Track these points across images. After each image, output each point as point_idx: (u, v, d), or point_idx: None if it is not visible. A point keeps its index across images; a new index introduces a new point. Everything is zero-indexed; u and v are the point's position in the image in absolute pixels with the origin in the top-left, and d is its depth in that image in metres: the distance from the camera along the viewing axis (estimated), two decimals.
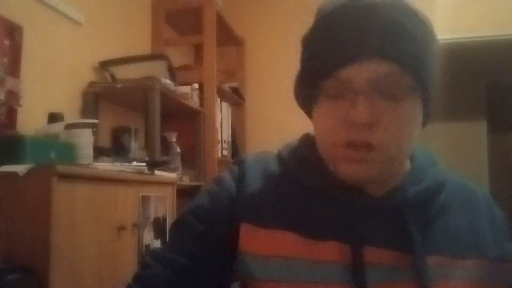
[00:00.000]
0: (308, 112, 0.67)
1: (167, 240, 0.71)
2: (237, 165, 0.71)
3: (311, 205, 0.63)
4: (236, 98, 3.02)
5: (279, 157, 0.71)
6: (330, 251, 0.59)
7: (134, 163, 1.61)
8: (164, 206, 1.70)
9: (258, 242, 0.62)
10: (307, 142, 0.70)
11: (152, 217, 1.60)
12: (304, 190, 0.64)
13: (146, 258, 0.67)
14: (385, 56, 0.55)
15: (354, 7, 0.57)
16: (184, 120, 2.44)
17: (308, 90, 0.62)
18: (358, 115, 0.54)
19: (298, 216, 0.62)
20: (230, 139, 2.85)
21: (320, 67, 0.58)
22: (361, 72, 0.55)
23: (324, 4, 0.62)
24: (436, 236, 0.62)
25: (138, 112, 2.34)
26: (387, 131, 0.56)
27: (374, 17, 0.55)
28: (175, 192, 1.80)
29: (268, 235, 0.62)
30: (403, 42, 0.56)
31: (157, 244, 1.61)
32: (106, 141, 2.07)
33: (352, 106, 0.55)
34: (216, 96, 2.57)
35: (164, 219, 1.69)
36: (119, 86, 1.97)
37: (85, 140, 1.47)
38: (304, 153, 0.68)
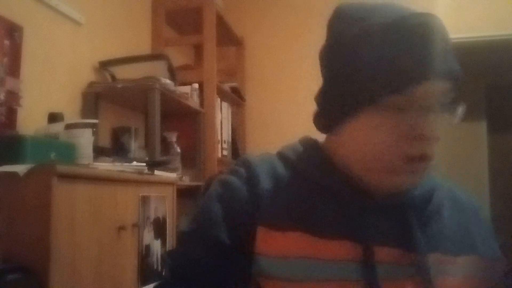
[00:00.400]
0: (333, 124, 0.65)
1: (180, 249, 0.69)
2: (243, 167, 0.70)
3: (320, 205, 0.64)
4: (236, 98, 3.02)
5: (284, 158, 0.71)
6: (342, 250, 0.61)
7: (134, 163, 1.61)
8: (164, 206, 1.70)
9: (274, 245, 0.62)
10: (312, 144, 0.72)
11: (152, 217, 1.60)
12: (313, 190, 0.65)
13: (165, 271, 0.68)
14: (450, 75, 0.59)
15: (419, 24, 0.58)
16: (184, 120, 2.44)
17: (354, 103, 0.60)
18: (429, 130, 0.58)
19: (309, 216, 0.63)
20: (230, 139, 2.85)
21: (387, 82, 0.57)
22: (432, 89, 0.58)
23: (367, 14, 0.61)
24: (433, 236, 0.65)
25: (138, 112, 2.34)
26: (437, 141, 0.60)
27: (437, 36, 0.58)
28: (175, 192, 1.80)
29: (283, 237, 0.62)
30: (455, 60, 0.61)
31: (157, 244, 1.61)
32: (106, 141, 2.07)
33: (417, 121, 0.58)
34: (216, 96, 2.57)
35: (164, 219, 1.69)
36: (119, 86, 1.97)
37: (85, 140, 1.47)
38: (313, 155, 0.69)
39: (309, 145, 0.72)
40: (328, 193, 0.64)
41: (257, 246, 0.63)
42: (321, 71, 0.68)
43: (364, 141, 0.61)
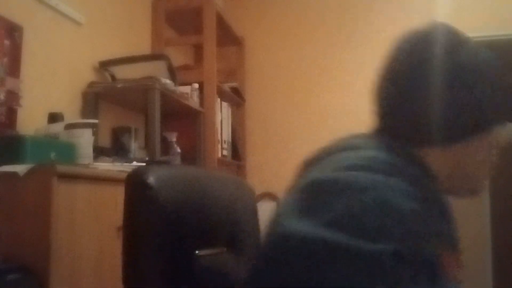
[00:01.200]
0: (459, 138, 0.66)
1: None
2: (388, 166, 0.56)
3: (445, 220, 0.61)
4: (236, 98, 3.02)
5: (395, 167, 0.57)
6: (457, 261, 0.60)
7: (134, 163, 1.61)
8: None
9: (448, 267, 0.55)
10: (409, 153, 0.63)
11: None
12: (431, 203, 0.58)
13: None
14: None
15: None
16: (184, 120, 2.44)
17: (491, 122, 0.68)
18: None
19: (447, 233, 0.61)
20: (230, 139, 2.85)
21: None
22: None
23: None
24: None
25: (138, 112, 2.34)
26: None
27: None
28: None
29: (450, 257, 0.57)
30: None
31: None
32: (106, 141, 2.07)
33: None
34: (216, 96, 2.57)
35: None
36: (119, 86, 1.97)
37: (85, 140, 1.47)
38: (420, 165, 0.63)
39: (407, 153, 0.63)
40: (438, 204, 0.61)
41: (441, 268, 0.51)
42: (416, 84, 0.65)
43: (487, 153, 0.70)
